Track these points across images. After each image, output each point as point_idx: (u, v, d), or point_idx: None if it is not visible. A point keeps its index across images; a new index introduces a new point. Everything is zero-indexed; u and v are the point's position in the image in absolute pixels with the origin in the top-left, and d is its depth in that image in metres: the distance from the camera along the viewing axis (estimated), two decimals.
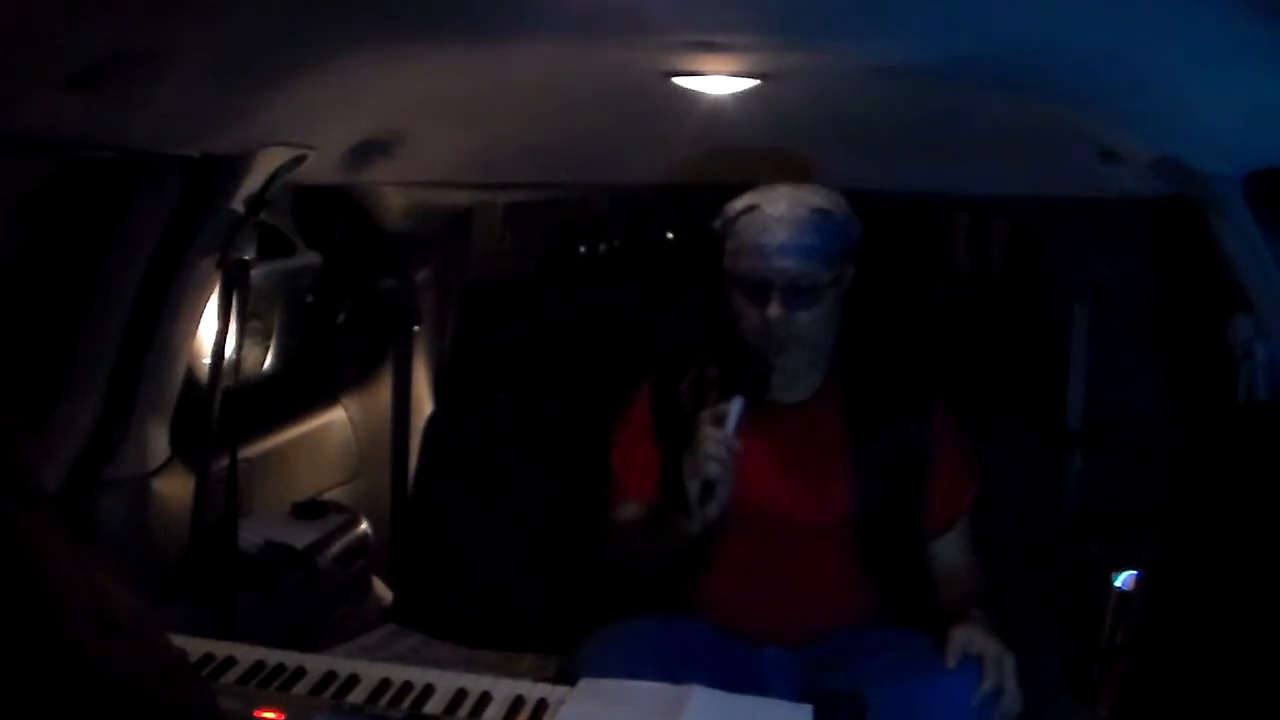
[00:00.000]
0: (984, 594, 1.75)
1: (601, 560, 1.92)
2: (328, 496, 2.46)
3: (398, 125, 2.00)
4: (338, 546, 2.26)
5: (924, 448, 1.81)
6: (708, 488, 1.56)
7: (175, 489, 1.95)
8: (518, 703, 1.37)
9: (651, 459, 1.84)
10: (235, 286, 1.93)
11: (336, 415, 2.62)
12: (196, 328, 1.97)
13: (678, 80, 1.70)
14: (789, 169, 2.01)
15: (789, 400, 1.79)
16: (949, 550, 1.84)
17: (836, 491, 1.79)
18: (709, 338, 1.87)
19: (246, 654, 1.45)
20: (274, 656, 1.45)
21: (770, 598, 1.78)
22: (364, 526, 2.39)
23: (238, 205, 1.87)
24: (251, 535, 2.07)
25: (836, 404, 1.83)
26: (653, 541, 1.78)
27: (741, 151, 2.14)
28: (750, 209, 1.73)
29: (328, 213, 2.67)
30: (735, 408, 1.59)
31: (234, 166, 1.81)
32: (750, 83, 1.70)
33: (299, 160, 1.90)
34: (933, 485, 1.81)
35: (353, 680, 1.40)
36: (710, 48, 1.54)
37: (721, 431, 1.57)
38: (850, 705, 1.58)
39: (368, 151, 2.05)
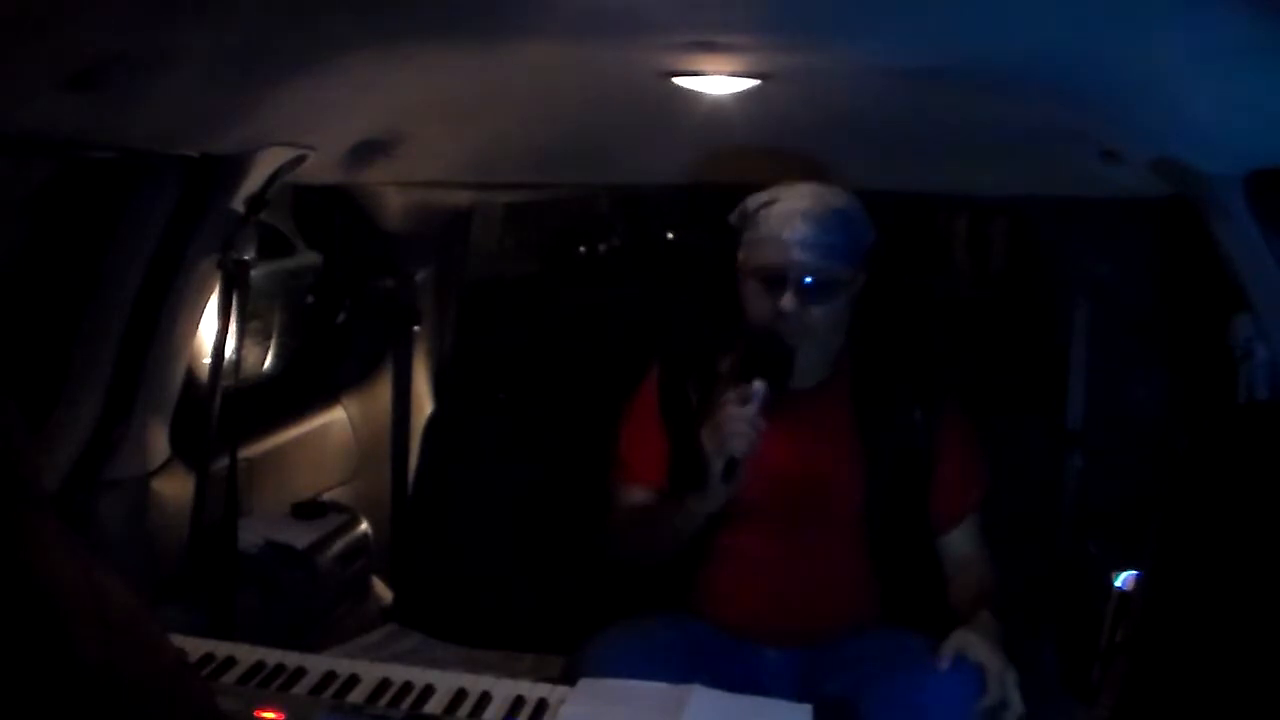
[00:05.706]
0: (995, 594, 1.74)
1: (604, 551, 1.91)
2: (328, 496, 2.46)
3: (398, 125, 1.99)
4: (338, 546, 2.26)
5: (932, 440, 1.80)
6: (731, 465, 1.57)
7: (175, 489, 1.95)
8: (518, 703, 1.37)
9: (659, 444, 1.84)
10: (235, 286, 1.93)
11: (336, 415, 2.62)
12: (196, 328, 1.97)
13: (678, 80, 1.70)
14: (790, 169, 2.01)
15: (797, 386, 1.77)
16: (958, 546, 1.83)
17: (848, 478, 1.78)
18: (719, 331, 1.87)
19: (246, 654, 1.45)
20: (274, 656, 1.44)
21: (776, 594, 1.78)
22: (364, 526, 2.39)
23: (238, 205, 1.87)
24: (251, 535, 2.07)
25: (844, 393, 1.82)
26: (662, 526, 1.77)
27: (742, 151, 2.14)
28: (772, 202, 1.73)
29: (328, 213, 2.67)
30: (759, 390, 1.60)
31: (234, 166, 1.81)
32: (750, 83, 1.70)
33: (299, 160, 1.90)
34: (941, 479, 1.81)
35: (353, 680, 1.40)
36: (710, 48, 1.54)
37: (748, 409, 1.57)
38: (848, 712, 1.58)
39: (368, 151, 2.05)
